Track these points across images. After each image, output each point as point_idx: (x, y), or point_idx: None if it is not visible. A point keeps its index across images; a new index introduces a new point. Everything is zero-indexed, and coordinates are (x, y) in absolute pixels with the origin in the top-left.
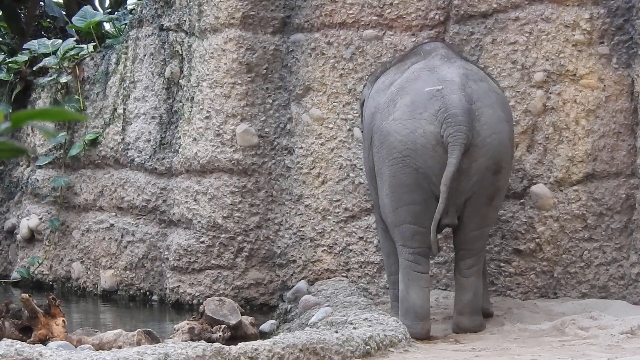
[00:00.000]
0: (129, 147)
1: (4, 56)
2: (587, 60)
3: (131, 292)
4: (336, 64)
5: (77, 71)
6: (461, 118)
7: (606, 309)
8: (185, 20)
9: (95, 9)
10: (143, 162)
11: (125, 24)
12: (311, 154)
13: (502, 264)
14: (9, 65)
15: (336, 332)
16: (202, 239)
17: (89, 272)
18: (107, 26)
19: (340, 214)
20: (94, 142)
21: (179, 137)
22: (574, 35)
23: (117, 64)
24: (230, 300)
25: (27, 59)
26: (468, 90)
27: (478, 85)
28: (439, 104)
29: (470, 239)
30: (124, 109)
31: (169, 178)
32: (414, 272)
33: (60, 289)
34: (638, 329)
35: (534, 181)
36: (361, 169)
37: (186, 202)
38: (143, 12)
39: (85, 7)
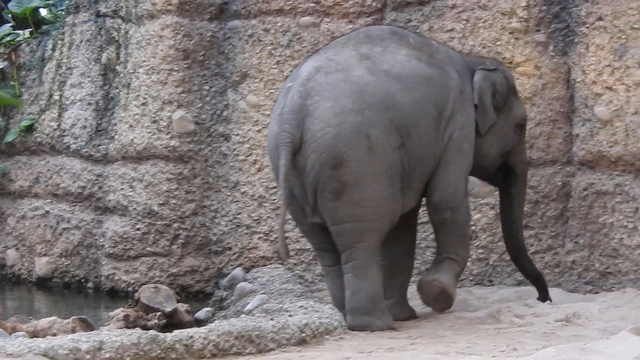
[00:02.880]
0: (65, 133)
1: None
2: (524, 48)
3: (66, 280)
4: (273, 51)
5: (13, 57)
6: (287, 117)
7: None
8: (122, 7)
9: None
10: (79, 148)
11: (62, 10)
12: (247, 140)
13: None
14: None
15: (272, 319)
16: (137, 226)
17: (23, 259)
18: (44, 12)
19: (276, 201)
20: (30, 129)
21: (115, 124)
22: (510, 22)
23: (53, 50)
24: (165, 288)
25: None
26: (310, 85)
27: (327, 77)
28: (284, 102)
29: (333, 233)
30: (60, 95)
31: (105, 165)
32: (322, 266)
33: None
34: (573, 317)
35: None
36: None
37: (122, 189)
38: None
39: None
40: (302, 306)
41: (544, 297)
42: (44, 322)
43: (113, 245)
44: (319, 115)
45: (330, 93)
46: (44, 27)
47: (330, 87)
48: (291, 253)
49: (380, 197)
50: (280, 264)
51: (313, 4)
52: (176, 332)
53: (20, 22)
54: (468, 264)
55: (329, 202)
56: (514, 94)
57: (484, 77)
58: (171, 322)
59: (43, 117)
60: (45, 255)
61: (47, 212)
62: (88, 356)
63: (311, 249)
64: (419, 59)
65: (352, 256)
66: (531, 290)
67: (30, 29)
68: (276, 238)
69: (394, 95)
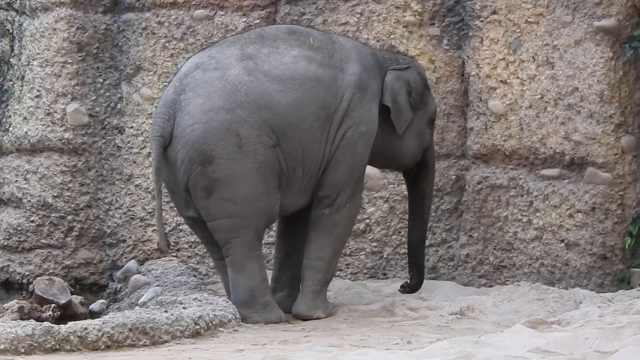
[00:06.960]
0: None
1: None
2: (418, 41)
3: None
4: (167, 44)
5: None
6: (159, 110)
7: (436, 290)
8: None
9: None
10: None
11: None
12: (141, 133)
13: None
14: None
15: (166, 311)
16: (32, 218)
17: None
18: None
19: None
20: None
21: (9, 116)
22: (404, 16)
23: None
24: (60, 280)
25: None
26: (186, 81)
27: (204, 75)
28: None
29: (210, 229)
30: None
31: None
32: (213, 260)
33: None
34: (467, 310)
35: None
36: None
37: (16, 181)
38: None
39: None
40: (196, 298)
41: (411, 289)
42: None
43: (7, 237)
44: (189, 111)
45: (203, 90)
46: None
47: (205, 84)
48: (185, 246)
49: (252, 194)
50: (174, 256)
51: None
52: (70, 324)
53: None
54: (362, 257)
55: (201, 199)
56: (427, 89)
57: (396, 78)
58: (65, 314)
59: None
60: None
61: None
62: None
63: None
64: (309, 60)
65: (229, 251)
66: (426, 284)
67: None
68: (169, 231)
69: (270, 96)
